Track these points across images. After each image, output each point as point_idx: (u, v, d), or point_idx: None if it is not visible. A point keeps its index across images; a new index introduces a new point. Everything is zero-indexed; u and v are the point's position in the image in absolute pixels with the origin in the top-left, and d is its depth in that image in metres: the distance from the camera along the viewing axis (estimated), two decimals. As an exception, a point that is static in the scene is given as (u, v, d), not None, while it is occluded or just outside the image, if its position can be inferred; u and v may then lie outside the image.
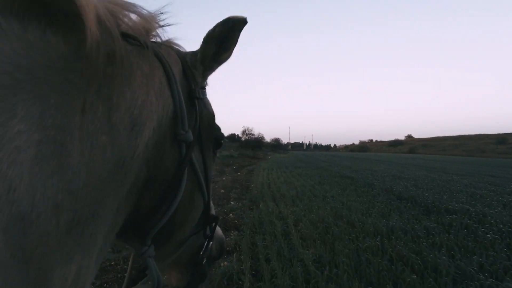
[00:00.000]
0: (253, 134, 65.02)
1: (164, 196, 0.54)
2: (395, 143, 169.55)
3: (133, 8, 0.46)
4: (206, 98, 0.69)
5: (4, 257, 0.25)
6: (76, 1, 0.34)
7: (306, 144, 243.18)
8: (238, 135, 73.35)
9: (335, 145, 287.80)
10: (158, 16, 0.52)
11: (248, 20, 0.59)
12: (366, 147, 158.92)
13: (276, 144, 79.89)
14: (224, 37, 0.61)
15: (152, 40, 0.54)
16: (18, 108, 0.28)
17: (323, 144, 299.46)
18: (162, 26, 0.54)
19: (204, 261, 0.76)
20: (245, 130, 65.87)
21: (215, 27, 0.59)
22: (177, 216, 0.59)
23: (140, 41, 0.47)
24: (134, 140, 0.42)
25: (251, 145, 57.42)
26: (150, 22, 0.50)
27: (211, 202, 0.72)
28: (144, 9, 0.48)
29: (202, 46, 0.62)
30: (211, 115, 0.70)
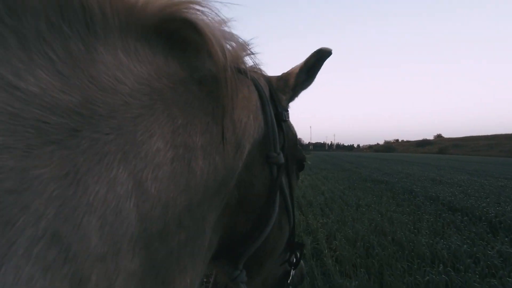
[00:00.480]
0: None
1: (257, 219, 0.55)
2: (423, 143, 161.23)
3: (233, 37, 0.47)
4: (289, 120, 0.68)
5: (142, 273, 0.28)
6: (202, 32, 0.36)
7: (328, 144, 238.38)
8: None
9: (358, 145, 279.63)
10: (249, 45, 0.53)
11: (332, 51, 0.64)
12: (392, 147, 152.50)
13: (297, 145, 78.12)
14: (313, 66, 0.66)
15: (244, 65, 0.54)
16: (155, 126, 0.30)
17: (346, 144, 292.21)
18: (252, 54, 0.54)
19: None
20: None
21: (310, 58, 0.64)
22: (268, 241, 0.58)
23: (241, 68, 0.49)
24: (238, 160, 0.44)
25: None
26: (243, 50, 0.51)
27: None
28: (239, 37, 0.50)
29: (297, 74, 0.65)
30: (295, 137, 0.71)
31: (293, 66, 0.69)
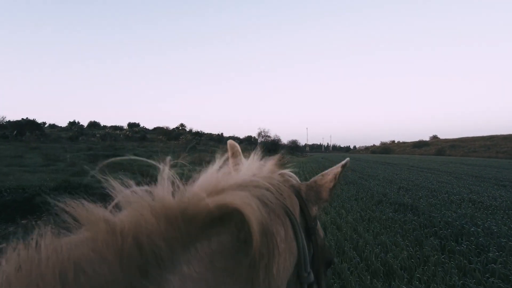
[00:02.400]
0: (269, 136, 62.14)
1: None
2: (420, 144, 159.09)
3: (262, 166, 0.61)
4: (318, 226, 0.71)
5: None
6: (247, 218, 0.41)
7: (324, 146, 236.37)
8: (254, 137, 70.53)
9: (354, 146, 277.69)
10: (281, 160, 0.62)
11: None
12: (389, 149, 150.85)
13: (293, 146, 76.46)
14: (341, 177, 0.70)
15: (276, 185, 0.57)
16: None
17: (342, 145, 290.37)
18: (283, 166, 0.63)
19: None
20: (261, 132, 63.11)
21: (341, 171, 0.68)
22: None
23: (277, 209, 0.52)
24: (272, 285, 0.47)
25: (267, 148, 54.51)
26: (275, 170, 0.62)
27: None
28: (267, 163, 0.62)
29: (331, 189, 0.68)
30: (322, 239, 0.71)
31: (324, 172, 0.71)
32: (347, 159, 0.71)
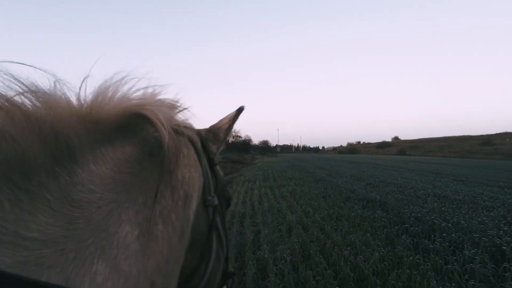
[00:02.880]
0: (240, 137, 61.40)
1: (202, 256, 0.60)
2: (383, 145, 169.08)
3: (164, 100, 0.54)
4: (218, 165, 0.76)
5: None
6: (155, 124, 0.44)
7: (294, 146, 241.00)
8: (225, 137, 69.20)
9: (323, 147, 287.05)
10: (178, 103, 0.58)
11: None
12: (356, 149, 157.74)
13: (264, 147, 76.56)
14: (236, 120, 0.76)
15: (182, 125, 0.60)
16: (122, 215, 0.36)
17: (312, 146, 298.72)
18: (181, 111, 0.59)
19: None
20: (232, 132, 62.15)
21: (236, 115, 0.75)
22: (211, 273, 0.64)
23: (179, 130, 0.55)
24: (188, 210, 0.50)
25: (238, 148, 53.76)
26: (174, 109, 0.57)
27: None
28: (167, 99, 0.55)
29: (226, 130, 0.74)
30: (223, 179, 0.79)
31: (222, 118, 0.76)
32: (242, 105, 0.77)
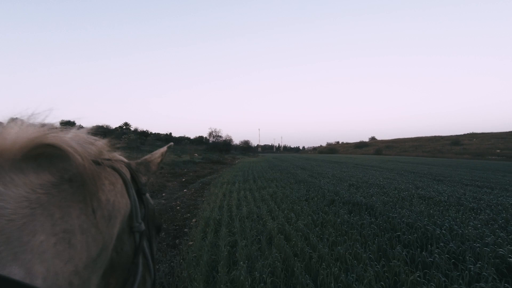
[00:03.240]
0: (220, 136, 60.40)
1: (127, 279, 0.62)
2: (361, 145, 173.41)
3: (91, 142, 0.60)
4: (147, 194, 0.81)
5: None
6: (61, 148, 0.48)
7: (275, 146, 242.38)
8: (205, 137, 67.93)
9: (303, 147, 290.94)
10: (108, 145, 0.67)
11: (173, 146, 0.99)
12: (335, 149, 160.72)
13: (245, 147, 75.95)
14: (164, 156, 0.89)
15: (107, 158, 0.67)
16: (37, 227, 0.40)
17: (292, 146, 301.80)
18: (111, 150, 0.69)
19: None
20: (212, 131, 61.00)
21: (166, 150, 0.89)
22: None
23: (101, 162, 0.61)
24: (111, 229, 0.54)
25: (218, 148, 52.76)
26: (103, 148, 0.65)
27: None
28: (98, 140, 0.63)
29: (158, 163, 0.85)
30: (153, 207, 0.84)
31: (151, 154, 0.86)
32: (171, 143, 0.96)
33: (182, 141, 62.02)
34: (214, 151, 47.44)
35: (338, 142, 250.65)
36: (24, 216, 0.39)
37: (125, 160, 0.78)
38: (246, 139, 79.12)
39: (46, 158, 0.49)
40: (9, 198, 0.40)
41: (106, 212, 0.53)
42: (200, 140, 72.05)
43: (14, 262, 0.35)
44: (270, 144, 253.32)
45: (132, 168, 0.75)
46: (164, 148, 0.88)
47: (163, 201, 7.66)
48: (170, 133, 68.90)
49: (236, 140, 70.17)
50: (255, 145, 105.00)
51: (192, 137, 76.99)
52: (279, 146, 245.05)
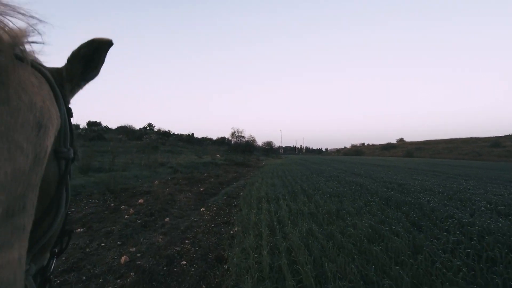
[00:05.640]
0: (243, 137, 57.35)
1: (48, 211, 0.54)
2: (388, 147, 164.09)
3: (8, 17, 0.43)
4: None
5: None
6: None
7: (297, 148, 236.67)
8: (228, 138, 65.31)
9: (326, 149, 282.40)
10: (29, 31, 0.47)
11: (113, 42, 0.63)
12: (360, 151, 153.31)
13: (268, 148, 72.55)
14: (90, 57, 0.63)
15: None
16: None
17: (315, 147, 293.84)
18: (30, 42, 0.48)
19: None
20: (235, 132, 58.10)
21: (79, 48, 0.61)
22: (54, 231, 0.60)
23: (23, 57, 0.46)
24: (43, 139, 0.45)
25: (241, 149, 49.76)
26: (23, 36, 0.46)
27: None
28: (20, 22, 0.46)
29: (67, 65, 0.63)
30: (75, 132, 0.70)
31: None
32: (109, 39, 0.65)
33: (204, 141, 59.94)
34: (237, 152, 44.46)
35: (363, 144, 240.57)
36: None
37: (44, 64, 0.60)
38: (268, 140, 75.64)
39: None
40: None
41: (32, 117, 0.43)
42: (222, 141, 69.64)
43: None
44: (292, 146, 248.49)
45: (59, 78, 0.61)
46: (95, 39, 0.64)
47: (159, 239, 4.25)
48: (192, 134, 67.04)
49: (258, 141, 66.98)
50: (277, 146, 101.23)
51: (214, 138, 74.96)
52: (301, 147, 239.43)
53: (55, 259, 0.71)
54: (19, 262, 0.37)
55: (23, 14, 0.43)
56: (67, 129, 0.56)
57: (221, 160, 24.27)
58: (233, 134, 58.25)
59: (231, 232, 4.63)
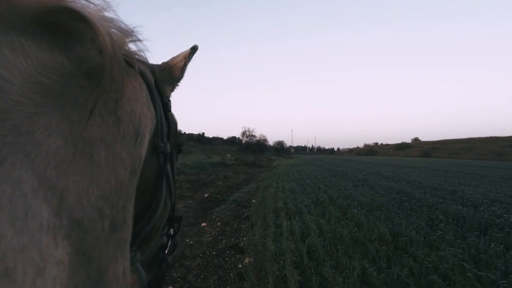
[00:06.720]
0: (254, 136, 55.89)
1: (150, 204, 0.57)
2: (403, 146, 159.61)
3: (116, 22, 0.43)
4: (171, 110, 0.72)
5: (71, 260, 0.28)
6: (89, 21, 0.34)
7: (309, 148, 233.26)
8: (238, 137, 64.01)
9: (338, 149, 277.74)
10: (133, 32, 0.47)
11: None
12: (374, 151, 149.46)
13: (279, 148, 70.86)
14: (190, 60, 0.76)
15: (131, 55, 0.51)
16: (53, 124, 0.30)
17: (326, 147, 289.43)
18: (136, 40, 0.48)
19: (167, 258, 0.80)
20: (246, 131, 56.71)
21: (191, 53, 0.74)
22: (157, 221, 0.63)
23: (127, 58, 0.46)
24: (139, 148, 0.45)
25: (252, 149, 48.35)
26: (127, 37, 0.46)
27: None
28: (123, 23, 0.45)
29: (182, 68, 0.73)
30: (176, 124, 0.74)
31: (172, 58, 0.74)
32: (196, 44, 0.76)
33: (215, 141, 59.02)
34: (247, 151, 43.08)
35: (376, 143, 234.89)
36: (36, 104, 0.29)
37: (148, 61, 0.63)
38: (279, 139, 73.86)
39: (64, 37, 0.36)
40: (17, 71, 0.28)
41: (131, 126, 0.43)
42: (233, 140, 68.51)
43: (25, 164, 0.26)
44: (303, 145, 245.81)
45: (156, 74, 0.65)
46: (187, 50, 0.76)
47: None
48: (203, 133, 66.27)
49: (270, 140, 65.35)
50: (288, 146, 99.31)
51: (225, 137, 73.94)
52: (312, 147, 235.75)
53: (170, 241, 0.80)
54: (124, 275, 0.37)
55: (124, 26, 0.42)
56: (164, 126, 0.58)
57: (231, 160, 22.90)
58: (243, 133, 56.91)
59: (240, 265, 3.18)
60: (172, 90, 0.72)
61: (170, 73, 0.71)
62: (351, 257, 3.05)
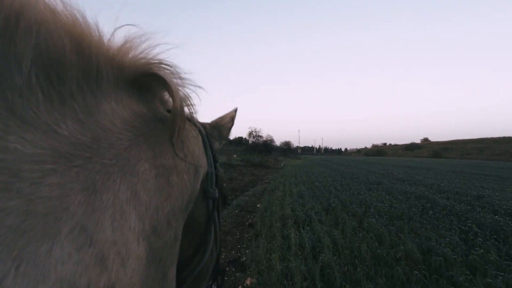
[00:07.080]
0: (261, 136, 55.33)
1: (198, 247, 0.62)
2: (412, 147, 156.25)
3: (182, 84, 0.53)
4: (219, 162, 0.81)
5: (147, 257, 0.37)
6: (171, 88, 0.44)
7: (316, 148, 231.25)
8: (245, 138, 63.55)
9: (346, 149, 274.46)
10: (191, 97, 0.58)
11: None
12: (383, 151, 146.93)
13: (286, 148, 70.10)
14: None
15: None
16: (141, 153, 0.40)
17: (334, 148, 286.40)
18: (192, 104, 0.58)
19: None
20: (252, 131, 56.20)
21: (235, 114, 0.88)
22: (203, 267, 0.66)
23: (189, 117, 0.58)
24: (196, 183, 0.54)
25: (258, 149, 47.81)
26: (188, 100, 0.56)
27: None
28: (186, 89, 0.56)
29: (229, 128, 0.85)
30: (223, 177, 0.80)
31: (221, 116, 0.84)
32: (236, 107, 0.89)
33: (220, 141, 58.52)
34: (254, 152, 42.55)
35: (385, 144, 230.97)
36: (129, 138, 0.39)
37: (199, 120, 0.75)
38: (286, 140, 73.15)
39: (145, 93, 0.48)
40: (118, 117, 0.39)
41: (193, 163, 0.52)
42: (239, 141, 68.10)
43: (123, 180, 0.35)
44: (310, 146, 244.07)
45: (207, 130, 0.73)
46: (233, 112, 0.87)
47: None
48: (208, 133, 65.82)
49: (276, 141, 64.67)
50: (295, 146, 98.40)
51: (231, 137, 73.55)
52: (319, 147, 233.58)
53: None
54: (174, 278, 0.43)
55: (191, 85, 0.51)
56: (213, 172, 0.66)
57: (237, 160, 22.42)
58: (250, 134, 56.40)
59: (240, 287, 2.69)
60: (219, 145, 0.81)
61: (220, 132, 0.82)
62: (374, 281, 2.51)
